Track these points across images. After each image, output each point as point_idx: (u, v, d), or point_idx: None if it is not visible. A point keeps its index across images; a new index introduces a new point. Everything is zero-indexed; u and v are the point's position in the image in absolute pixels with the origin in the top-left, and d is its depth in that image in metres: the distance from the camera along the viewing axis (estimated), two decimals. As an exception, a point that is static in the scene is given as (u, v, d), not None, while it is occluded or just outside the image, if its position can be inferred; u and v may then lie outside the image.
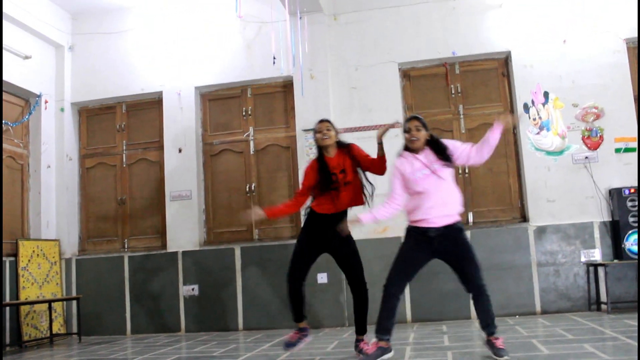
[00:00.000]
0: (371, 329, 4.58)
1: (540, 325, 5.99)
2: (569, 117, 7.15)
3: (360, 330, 4.94)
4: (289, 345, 4.90)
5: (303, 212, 5.14)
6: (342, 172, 4.82)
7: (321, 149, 4.90)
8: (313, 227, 4.92)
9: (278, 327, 7.23)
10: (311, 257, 4.96)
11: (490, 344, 4.38)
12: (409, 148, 4.52)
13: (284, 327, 7.22)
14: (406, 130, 4.50)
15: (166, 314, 7.66)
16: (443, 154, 4.43)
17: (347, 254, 4.92)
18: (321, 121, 5.00)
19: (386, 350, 4.42)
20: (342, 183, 4.80)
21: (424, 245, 4.44)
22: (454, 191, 4.49)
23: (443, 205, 4.39)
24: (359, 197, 4.91)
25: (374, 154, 4.88)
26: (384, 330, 4.42)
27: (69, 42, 8.43)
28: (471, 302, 6.93)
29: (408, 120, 4.57)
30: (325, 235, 4.84)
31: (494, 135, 4.37)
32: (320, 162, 4.87)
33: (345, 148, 4.95)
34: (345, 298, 7.11)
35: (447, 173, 4.44)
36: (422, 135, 4.46)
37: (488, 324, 4.42)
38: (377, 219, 4.57)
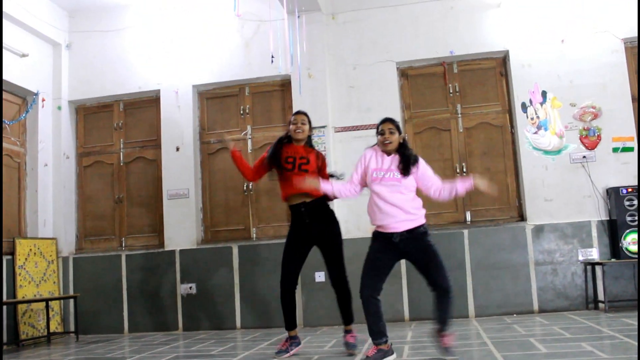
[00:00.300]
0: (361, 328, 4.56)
1: (538, 324, 6.00)
2: (567, 117, 7.16)
3: (347, 321, 5.07)
4: (280, 352, 4.97)
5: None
6: (302, 159, 5.01)
7: (290, 138, 5.10)
8: (294, 222, 5.05)
9: (275, 326, 7.22)
10: (300, 255, 5.05)
11: (438, 339, 4.42)
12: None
13: (282, 326, 7.19)
14: (380, 133, 4.50)
15: (164, 313, 7.65)
16: (405, 165, 4.42)
17: (330, 247, 5.02)
18: (298, 113, 5.19)
19: (387, 352, 4.39)
20: (297, 166, 4.97)
21: (389, 247, 4.43)
22: (412, 199, 4.44)
23: (400, 211, 4.37)
24: None
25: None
26: (377, 334, 4.40)
27: (67, 40, 8.41)
28: (468, 300, 7.01)
29: (382, 122, 4.55)
30: (308, 228, 4.96)
31: (460, 190, 4.50)
32: (279, 141, 5.14)
33: (314, 149, 5.21)
34: (343, 297, 7.10)
35: (408, 182, 4.42)
36: (395, 138, 4.47)
37: (443, 322, 4.40)
38: (333, 192, 4.61)
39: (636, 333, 4.93)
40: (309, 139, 5.20)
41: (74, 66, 8.39)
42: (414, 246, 4.39)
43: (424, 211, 4.48)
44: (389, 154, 4.49)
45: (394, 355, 4.45)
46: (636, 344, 4.41)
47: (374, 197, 4.46)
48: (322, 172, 5.12)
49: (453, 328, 4.52)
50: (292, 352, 4.98)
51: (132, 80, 8.21)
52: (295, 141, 5.08)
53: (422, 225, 4.43)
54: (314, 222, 4.96)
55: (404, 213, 4.37)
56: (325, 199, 4.95)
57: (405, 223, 4.38)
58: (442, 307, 4.40)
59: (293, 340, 5.04)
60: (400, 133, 4.53)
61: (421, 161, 4.53)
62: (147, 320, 7.70)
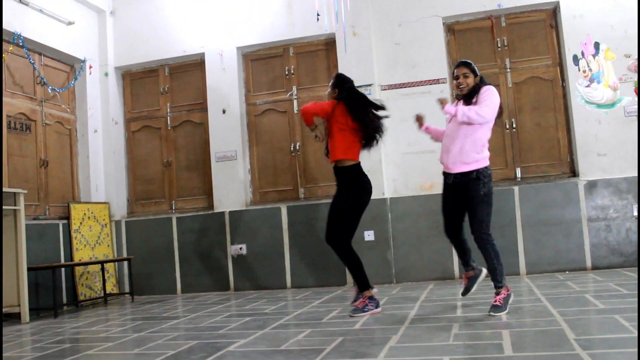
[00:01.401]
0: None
1: (591, 281, 5.92)
2: (621, 69, 6.93)
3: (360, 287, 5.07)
4: (356, 310, 4.90)
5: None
6: None
7: None
8: (365, 180, 5.12)
9: (325, 285, 7.31)
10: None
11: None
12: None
13: (331, 285, 7.30)
14: (455, 77, 4.60)
15: (215, 273, 7.79)
16: (467, 101, 4.53)
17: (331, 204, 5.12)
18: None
19: (509, 296, 4.45)
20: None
21: (447, 188, 4.63)
22: (471, 141, 4.45)
23: (458, 152, 4.46)
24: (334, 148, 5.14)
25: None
26: (500, 276, 4.44)
27: (111, 7, 8.47)
28: (519, 257, 6.92)
29: (456, 67, 4.63)
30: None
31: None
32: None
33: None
34: (392, 255, 7.12)
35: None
36: (470, 81, 4.55)
37: (491, 276, 4.50)
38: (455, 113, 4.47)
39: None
40: (343, 96, 5.12)
41: (118, 32, 8.45)
42: (462, 189, 4.47)
43: (484, 155, 4.47)
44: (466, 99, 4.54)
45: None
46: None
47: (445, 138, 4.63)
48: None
49: (505, 285, 4.47)
50: (369, 313, 4.87)
51: (176, 44, 8.24)
52: None
53: (475, 170, 4.42)
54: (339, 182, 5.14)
55: (459, 154, 4.45)
56: None
57: (458, 166, 4.47)
58: (485, 259, 4.47)
59: (371, 301, 4.96)
60: (476, 75, 4.54)
61: (484, 90, 4.47)
62: (199, 281, 7.85)
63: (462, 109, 4.41)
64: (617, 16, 6.96)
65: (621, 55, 6.93)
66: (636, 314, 3.87)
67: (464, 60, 4.70)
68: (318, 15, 6.64)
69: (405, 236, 7.17)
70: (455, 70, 4.59)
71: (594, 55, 7.02)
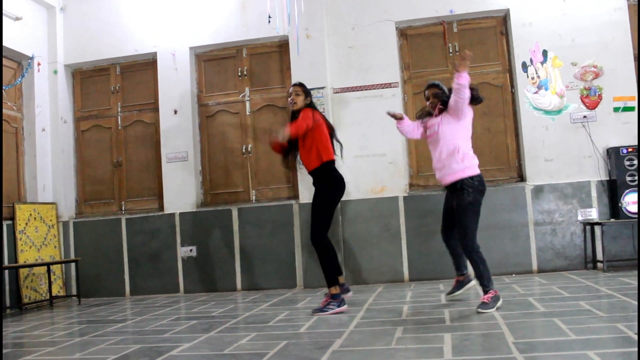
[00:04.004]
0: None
1: (536, 284, 6.03)
2: (568, 76, 7.09)
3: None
4: (318, 310, 5.08)
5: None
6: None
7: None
8: (338, 183, 5.36)
9: (275, 287, 7.30)
10: None
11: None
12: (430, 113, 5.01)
13: (281, 287, 7.29)
14: (426, 98, 5.02)
15: (165, 276, 7.70)
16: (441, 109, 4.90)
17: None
18: (293, 85, 5.52)
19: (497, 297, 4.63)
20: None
21: (447, 196, 5.00)
22: (450, 151, 4.73)
23: (442, 167, 4.79)
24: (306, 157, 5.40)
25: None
26: (487, 280, 4.66)
27: (61, 3, 8.29)
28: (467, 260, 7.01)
29: (427, 87, 5.03)
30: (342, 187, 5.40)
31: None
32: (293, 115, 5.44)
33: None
34: (342, 258, 7.12)
35: (444, 131, 4.77)
36: (437, 101, 4.94)
37: (479, 282, 4.76)
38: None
39: (635, 292, 4.96)
40: (312, 104, 5.45)
41: (68, 29, 8.28)
42: (453, 199, 4.83)
43: (466, 165, 4.69)
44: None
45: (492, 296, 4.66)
46: (635, 302, 4.45)
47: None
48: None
49: (493, 289, 4.66)
50: (329, 313, 5.00)
51: (128, 43, 8.11)
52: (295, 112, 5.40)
53: (460, 181, 4.68)
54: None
55: (443, 168, 4.79)
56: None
57: (445, 178, 4.80)
58: (471, 265, 4.76)
59: (342, 287, 5.24)
60: (446, 98, 4.88)
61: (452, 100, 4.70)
62: (148, 283, 7.75)
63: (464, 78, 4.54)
64: (565, 25, 7.12)
65: (568, 64, 7.09)
66: (572, 317, 3.96)
67: (432, 82, 5.11)
68: (270, 17, 6.62)
69: (356, 239, 7.20)
70: (427, 91, 5.00)
71: (542, 63, 7.16)
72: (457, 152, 4.68)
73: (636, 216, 6.58)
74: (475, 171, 4.71)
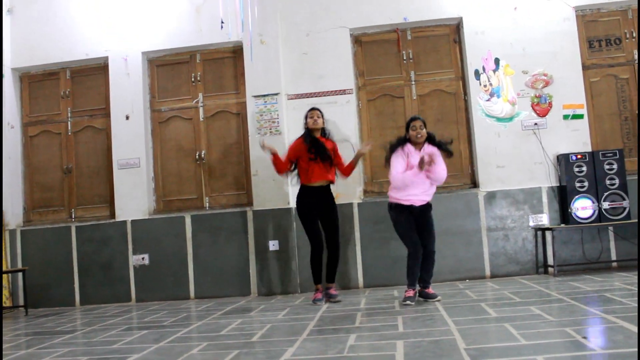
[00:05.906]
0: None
1: (489, 289, 6.09)
2: (519, 84, 7.21)
3: (331, 279, 6.19)
4: (317, 300, 5.99)
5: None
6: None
7: (311, 131, 6.15)
8: (311, 198, 6.11)
9: (229, 295, 7.22)
10: (317, 223, 6.17)
11: (424, 294, 5.52)
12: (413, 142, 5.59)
13: (235, 295, 7.21)
14: (412, 129, 5.54)
15: (116, 284, 7.53)
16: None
17: (333, 217, 6.16)
18: (313, 109, 6.23)
19: (412, 298, 5.41)
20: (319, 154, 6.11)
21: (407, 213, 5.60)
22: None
23: (423, 191, 5.58)
24: (332, 172, 6.26)
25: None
26: (412, 281, 5.47)
27: (8, 5, 8.07)
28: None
29: (412, 119, 5.60)
30: (321, 202, 6.14)
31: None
32: (313, 139, 6.10)
33: (329, 139, 6.31)
34: (297, 265, 7.08)
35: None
36: (424, 133, 5.58)
37: (426, 280, 5.55)
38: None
39: (583, 296, 5.05)
40: (323, 130, 6.26)
41: (16, 32, 8.05)
42: (421, 215, 5.65)
43: (391, 190, 5.70)
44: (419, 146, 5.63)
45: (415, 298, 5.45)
46: (583, 306, 4.52)
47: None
48: (337, 157, 6.27)
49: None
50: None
51: (79, 47, 7.94)
52: (314, 132, 6.15)
53: (429, 202, 5.72)
54: (328, 198, 6.20)
55: (425, 192, 5.66)
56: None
57: (424, 199, 5.69)
58: (428, 268, 5.55)
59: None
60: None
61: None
62: (99, 292, 7.57)
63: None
64: (516, 34, 7.24)
65: (519, 72, 7.21)
66: (523, 322, 4.00)
67: (417, 115, 6.02)
68: (222, 22, 6.55)
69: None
70: (412, 122, 5.57)
71: (494, 71, 7.26)
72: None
73: (586, 221, 6.71)
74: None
